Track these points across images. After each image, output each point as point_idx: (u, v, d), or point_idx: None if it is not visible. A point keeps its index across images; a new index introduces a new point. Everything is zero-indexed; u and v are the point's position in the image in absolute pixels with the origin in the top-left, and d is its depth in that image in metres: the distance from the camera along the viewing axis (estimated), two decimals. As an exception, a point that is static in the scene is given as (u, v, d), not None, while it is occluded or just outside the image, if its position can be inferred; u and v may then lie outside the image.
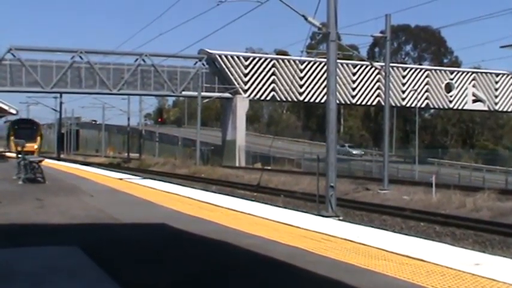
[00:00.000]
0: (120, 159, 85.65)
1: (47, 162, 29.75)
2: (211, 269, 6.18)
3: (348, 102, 79.22)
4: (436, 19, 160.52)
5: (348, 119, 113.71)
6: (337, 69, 27.41)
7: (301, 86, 74.74)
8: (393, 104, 71.19)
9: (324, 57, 28.92)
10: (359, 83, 77.02)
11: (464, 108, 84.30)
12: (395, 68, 75.10)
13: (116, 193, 15.41)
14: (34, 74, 66.07)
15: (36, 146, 65.13)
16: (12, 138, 64.95)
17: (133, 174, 26.27)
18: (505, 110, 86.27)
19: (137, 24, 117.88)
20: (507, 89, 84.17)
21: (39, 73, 66.47)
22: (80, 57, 67.88)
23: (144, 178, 21.91)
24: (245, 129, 74.54)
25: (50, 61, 67.76)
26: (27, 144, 55.45)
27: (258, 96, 73.94)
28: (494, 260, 6.70)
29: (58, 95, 74.21)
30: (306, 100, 77.00)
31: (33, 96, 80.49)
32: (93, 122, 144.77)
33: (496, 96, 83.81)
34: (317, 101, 75.36)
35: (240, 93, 71.82)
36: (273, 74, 73.55)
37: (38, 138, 67.95)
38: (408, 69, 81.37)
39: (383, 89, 44.27)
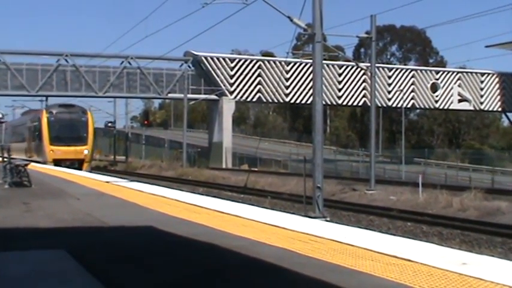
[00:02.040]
0: (106, 162, 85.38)
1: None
2: (200, 271, 6.18)
3: (334, 103, 79.31)
4: (421, 19, 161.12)
5: (334, 119, 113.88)
6: (323, 70, 27.45)
7: (287, 87, 74.78)
8: (379, 105, 71.38)
9: (310, 58, 28.96)
10: (345, 84, 77.13)
11: (450, 108, 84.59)
12: (381, 69, 75.29)
13: (103, 196, 15.37)
14: (19, 77, 65.82)
15: (87, 151, 45.80)
16: (45, 138, 46.31)
17: (120, 177, 26.24)
18: (490, 109, 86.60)
19: (123, 27, 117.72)
20: (492, 89, 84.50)
21: (24, 76, 66.22)
22: (66, 60, 67.71)
23: (131, 181, 21.87)
24: (232, 130, 74.49)
25: (36, 64, 67.55)
26: (71, 148, 44.87)
27: (244, 97, 73.94)
28: (481, 259, 6.73)
29: (44, 98, 73.83)
30: (292, 101, 77.04)
31: (19, 100, 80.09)
32: None
33: (482, 96, 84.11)
34: (303, 102, 75.42)
35: (226, 95, 71.80)
36: (259, 75, 73.57)
37: (90, 137, 46.95)
38: (394, 70, 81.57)
39: (369, 89, 44.39)
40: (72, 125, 46.20)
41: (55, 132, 45.51)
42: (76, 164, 43.18)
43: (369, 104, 38.99)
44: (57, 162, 42.37)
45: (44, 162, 43.13)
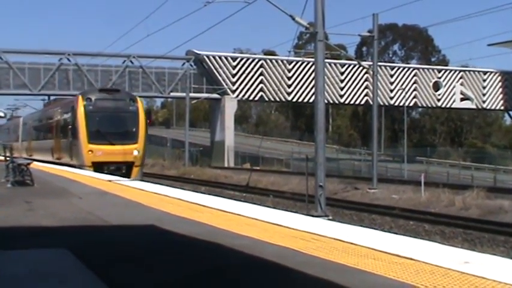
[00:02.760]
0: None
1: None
2: (203, 270, 6.17)
3: (336, 102, 79.37)
4: (424, 18, 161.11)
5: (337, 118, 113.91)
6: (325, 69, 27.45)
7: (289, 86, 74.85)
8: (381, 103, 71.41)
9: (312, 57, 28.94)
10: (347, 83, 77.19)
11: (452, 106, 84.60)
12: (383, 67, 75.32)
13: (105, 195, 15.37)
14: (22, 76, 65.92)
15: (137, 152, 34.39)
16: (81, 134, 34.29)
17: (122, 176, 26.36)
18: (492, 108, 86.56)
19: (125, 26, 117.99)
20: (495, 87, 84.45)
21: (26, 76, 66.35)
22: (68, 59, 67.82)
23: (133, 180, 21.89)
24: (234, 129, 74.61)
25: (38, 63, 67.68)
26: (117, 147, 33.97)
27: (246, 96, 74.01)
28: (483, 258, 6.71)
29: (46, 97, 73.87)
30: (294, 100, 77.11)
31: (21, 99, 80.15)
32: None
33: (484, 95, 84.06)
34: (305, 100, 75.48)
35: (228, 94, 71.87)
36: (261, 74, 73.65)
37: (141, 132, 35.30)
38: (396, 68, 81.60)
39: (371, 88, 44.37)
40: (118, 116, 35.13)
41: (95, 125, 34.27)
42: (123, 168, 33.51)
43: (371, 102, 38.99)
44: (98, 167, 32.68)
45: (80, 167, 33.15)
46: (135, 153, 34.31)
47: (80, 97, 35.53)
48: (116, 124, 34.73)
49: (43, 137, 46.53)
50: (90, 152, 33.85)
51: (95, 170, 31.39)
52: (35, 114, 55.11)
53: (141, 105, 36.55)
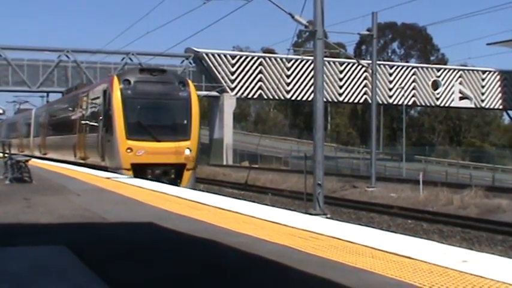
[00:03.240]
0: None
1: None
2: (201, 268, 6.18)
3: (335, 100, 79.40)
4: (423, 17, 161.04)
5: (335, 116, 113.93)
6: (324, 67, 27.45)
7: (288, 84, 74.85)
8: (380, 102, 71.47)
9: (311, 55, 28.94)
10: (346, 81, 77.20)
11: (451, 105, 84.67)
12: (382, 66, 75.36)
13: (103, 192, 15.37)
14: (20, 73, 65.88)
15: (189, 151, 26.98)
16: (117, 127, 26.68)
17: (120, 173, 26.12)
18: (491, 107, 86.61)
19: (124, 23, 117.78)
20: (494, 86, 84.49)
21: (25, 72, 66.30)
22: (67, 56, 67.81)
23: (132, 177, 21.88)
24: (232, 127, 74.58)
25: (37, 60, 67.66)
26: (164, 145, 26.45)
27: (245, 94, 74.00)
28: (481, 257, 6.72)
29: (45, 94, 73.81)
30: (293, 98, 77.11)
31: (20, 96, 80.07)
32: None
33: (483, 94, 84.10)
34: (304, 99, 75.51)
35: (227, 92, 71.84)
36: (260, 72, 73.64)
37: (194, 125, 27.63)
38: (395, 67, 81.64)
39: (370, 86, 44.38)
40: (165, 104, 27.73)
41: (135, 115, 26.98)
42: (172, 172, 26.53)
43: (370, 101, 39.01)
44: (139, 170, 25.90)
45: (115, 170, 26.14)
46: (187, 152, 26.60)
47: (116, 79, 27.34)
48: (163, 114, 27.47)
49: (63, 132, 37.86)
50: (128, 151, 26.24)
51: (135, 175, 24.62)
52: (53, 105, 46.92)
53: (193, 91, 27.95)
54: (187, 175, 26.69)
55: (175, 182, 25.31)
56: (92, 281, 5.66)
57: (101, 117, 28.57)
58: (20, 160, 19.76)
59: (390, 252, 6.73)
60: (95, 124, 29.65)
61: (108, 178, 20.64)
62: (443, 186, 30.94)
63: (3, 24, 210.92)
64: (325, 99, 29.61)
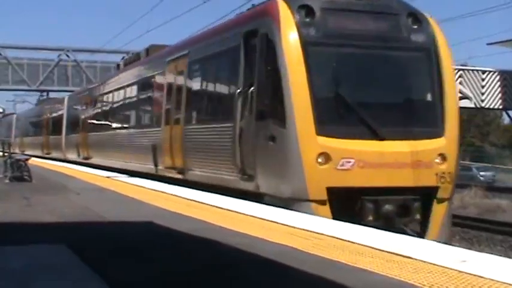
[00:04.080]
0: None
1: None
2: (200, 268, 6.18)
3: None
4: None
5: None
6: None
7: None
8: (380, 102, 71.23)
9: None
10: (346, 81, 76.92)
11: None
12: (382, 66, 75.07)
13: (103, 191, 15.36)
14: (20, 72, 65.79)
15: (443, 161, 12.57)
16: (296, 105, 12.00)
17: (120, 173, 25.88)
18: (491, 107, 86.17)
19: (124, 22, 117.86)
20: (494, 86, 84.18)
21: (25, 71, 66.18)
22: (67, 55, 67.68)
23: (131, 176, 21.85)
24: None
25: (37, 59, 67.51)
26: (398, 146, 12.43)
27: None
28: (480, 257, 6.73)
29: (45, 93, 73.63)
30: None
31: (20, 95, 79.97)
32: None
33: (483, 94, 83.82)
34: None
35: (228, 91, 71.57)
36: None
37: (450, 111, 13.56)
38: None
39: (370, 86, 44.20)
40: (390, 60, 13.59)
41: (333, 85, 12.95)
42: (413, 206, 12.51)
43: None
44: (346, 202, 12.17)
45: (286, 202, 12.17)
46: (440, 162, 12.93)
47: (282, 3, 13.03)
48: (386, 81, 13.65)
49: (128, 124, 25.03)
50: (321, 160, 12.16)
51: (335, 211, 12.09)
52: (106, 83, 29.63)
53: (439, 33, 14.53)
54: (439, 211, 12.94)
55: (421, 225, 12.89)
56: (91, 278, 5.66)
57: (240, 90, 14.14)
58: (19, 159, 19.76)
59: (390, 252, 6.73)
60: (227, 105, 15.17)
61: (108, 177, 20.63)
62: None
63: (3, 23, 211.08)
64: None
